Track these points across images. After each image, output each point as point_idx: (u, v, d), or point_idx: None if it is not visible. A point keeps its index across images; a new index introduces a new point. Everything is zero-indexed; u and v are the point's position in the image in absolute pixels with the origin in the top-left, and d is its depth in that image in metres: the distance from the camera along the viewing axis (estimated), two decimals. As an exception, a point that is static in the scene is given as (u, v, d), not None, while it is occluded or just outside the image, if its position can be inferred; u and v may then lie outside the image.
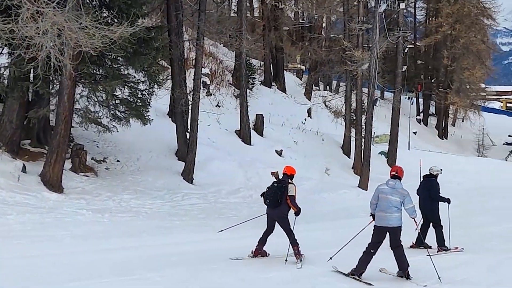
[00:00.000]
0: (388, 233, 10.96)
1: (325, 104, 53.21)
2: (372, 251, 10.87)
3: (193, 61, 37.23)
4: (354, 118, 35.85)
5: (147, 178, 22.14)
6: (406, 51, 40.28)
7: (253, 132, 31.35)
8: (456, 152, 62.75)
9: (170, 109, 27.17)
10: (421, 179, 15.18)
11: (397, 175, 11.30)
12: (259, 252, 12.38)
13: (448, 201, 14.62)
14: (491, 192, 32.71)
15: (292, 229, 12.02)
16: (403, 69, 37.59)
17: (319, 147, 35.33)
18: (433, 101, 70.92)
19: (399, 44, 34.62)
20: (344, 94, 36.71)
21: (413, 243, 15.05)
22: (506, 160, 64.91)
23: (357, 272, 10.90)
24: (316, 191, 27.70)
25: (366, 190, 30.27)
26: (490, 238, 16.23)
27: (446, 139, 70.34)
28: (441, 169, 15.42)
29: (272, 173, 12.66)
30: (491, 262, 12.99)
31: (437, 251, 14.47)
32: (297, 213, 12.03)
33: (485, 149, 69.12)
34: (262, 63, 47.90)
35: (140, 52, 19.78)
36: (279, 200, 12.00)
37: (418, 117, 71.83)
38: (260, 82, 45.68)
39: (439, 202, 14.78)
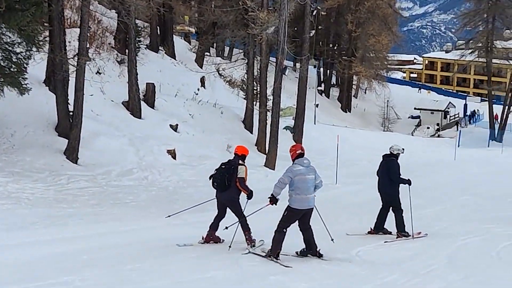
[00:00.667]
0: (306, 216, 11.47)
1: (218, 72, 52.95)
2: (284, 230, 11.34)
3: (70, 20, 35.72)
4: (258, 89, 35.72)
5: (24, 158, 20.91)
6: (314, 13, 40.55)
7: (143, 104, 30.47)
8: (360, 126, 64.60)
9: (47, 77, 25.78)
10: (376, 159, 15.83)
11: (303, 152, 11.59)
12: (211, 238, 12.56)
13: (408, 182, 14.68)
14: (409, 170, 33.63)
15: (243, 213, 12.27)
16: (311, 34, 37.78)
17: (218, 121, 35.00)
18: (335, 71, 72.65)
19: (306, 6, 34.68)
20: (246, 62, 36.43)
21: (371, 229, 15.17)
22: (412, 135, 67.74)
23: (274, 253, 11.38)
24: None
25: (274, 169, 30.37)
26: (429, 222, 16.46)
27: (350, 112, 72.17)
28: (403, 149, 15.45)
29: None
30: (449, 249, 13.15)
31: (396, 237, 14.63)
32: (249, 196, 12.27)
33: (391, 123, 71.54)
34: (147, 24, 46.73)
35: (16, 8, 18.48)
36: (226, 183, 12.21)
37: (319, 88, 73.13)
38: (145, 46, 44.56)
39: (399, 185, 14.85)
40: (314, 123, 46.93)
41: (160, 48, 46.33)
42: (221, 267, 10.96)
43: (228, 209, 12.58)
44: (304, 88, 38.12)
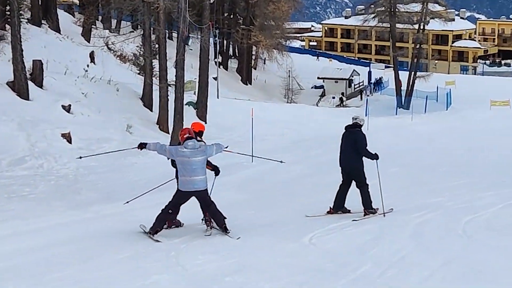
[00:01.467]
0: (195, 197, 11.95)
1: (107, 46, 51.18)
2: (170, 211, 11.95)
3: None
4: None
5: None
6: (213, -23, 39.52)
7: (30, 84, 28.72)
8: (263, 99, 64.32)
9: None
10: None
11: (191, 136, 12.05)
12: (173, 222, 12.72)
13: (376, 157, 14.18)
14: (321, 143, 33.47)
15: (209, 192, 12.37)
16: (211, 1, 36.85)
17: (114, 100, 33.61)
18: (233, 42, 71.97)
19: (204, -31, 33.73)
20: (142, 33, 35.05)
21: (330, 208, 14.60)
22: (318, 105, 68.05)
23: (153, 231, 11.90)
24: (121, 156, 26.09)
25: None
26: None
27: (251, 84, 71.73)
28: (364, 120, 14.85)
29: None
30: (409, 229, 12.67)
31: (364, 215, 14.13)
32: (216, 171, 12.84)
33: (294, 94, 71.63)
34: (27, -4, 44.54)
35: None
36: None
37: (217, 60, 72.19)
38: (26, 20, 42.37)
39: (363, 158, 14.28)
40: (217, 97, 46.07)
41: (43, 22, 44.25)
42: (162, 269, 10.02)
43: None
44: (206, 60, 37.37)
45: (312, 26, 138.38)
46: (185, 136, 12.00)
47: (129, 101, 34.59)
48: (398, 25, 67.01)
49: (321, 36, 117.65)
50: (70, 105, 28.99)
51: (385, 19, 66.03)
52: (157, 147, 12.28)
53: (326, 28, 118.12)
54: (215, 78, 64.37)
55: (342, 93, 74.50)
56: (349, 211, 14.44)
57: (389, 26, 65.71)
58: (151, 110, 34.97)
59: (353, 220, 13.76)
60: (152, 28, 34.41)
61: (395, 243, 11.66)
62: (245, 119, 41.67)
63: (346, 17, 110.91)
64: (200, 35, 36.52)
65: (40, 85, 29.65)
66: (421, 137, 36.24)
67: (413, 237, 12.05)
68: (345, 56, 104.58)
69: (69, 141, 25.68)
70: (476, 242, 11.77)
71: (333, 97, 71.79)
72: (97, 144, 27.03)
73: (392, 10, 64.67)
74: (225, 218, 12.14)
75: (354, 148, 14.12)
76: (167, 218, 12.06)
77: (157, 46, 33.33)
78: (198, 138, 12.67)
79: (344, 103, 70.89)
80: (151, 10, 32.82)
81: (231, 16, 71.67)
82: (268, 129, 40.79)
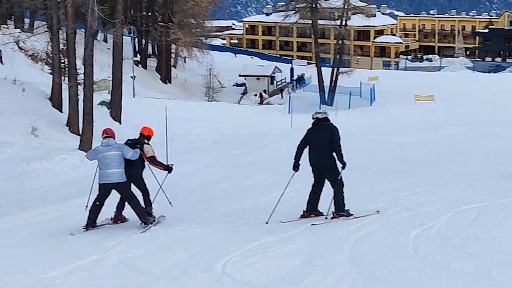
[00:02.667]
0: (115, 190, 13.03)
1: (18, 45, 48.57)
2: (97, 203, 13.04)
3: None
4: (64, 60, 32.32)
5: None
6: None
7: None
8: (183, 98, 62.50)
9: None
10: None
11: (109, 135, 13.25)
12: (119, 218, 13.59)
13: (344, 165, 12.83)
14: (243, 142, 32.04)
15: (147, 188, 13.54)
16: (123, -6, 34.82)
17: (19, 101, 31.30)
18: (151, 40, 69.78)
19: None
20: (49, 30, 32.81)
21: (304, 212, 13.15)
22: (240, 103, 66.69)
23: (90, 224, 13.08)
24: (23, 161, 24.19)
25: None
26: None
27: (170, 83, 69.84)
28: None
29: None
30: (348, 246, 10.73)
31: (332, 217, 12.72)
32: (168, 170, 13.78)
33: (215, 92, 70.10)
34: None
35: None
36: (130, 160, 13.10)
37: (135, 59, 69.96)
38: None
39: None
40: (133, 97, 44.04)
41: None
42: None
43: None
44: (119, 56, 35.40)
45: (233, 24, 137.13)
46: (102, 136, 13.26)
47: (36, 102, 32.30)
48: (320, 21, 66.25)
49: (242, 34, 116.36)
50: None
51: (306, 15, 65.21)
52: (90, 154, 13.63)
53: (247, 25, 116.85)
54: (133, 77, 62.43)
55: (264, 91, 73.35)
56: (321, 214, 12.98)
57: (310, 22, 64.82)
58: (61, 111, 32.79)
59: (312, 225, 12.32)
60: (60, 24, 32.13)
61: (332, 269, 9.48)
62: (162, 118, 39.70)
63: (267, 14, 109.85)
64: (113, 31, 34.36)
65: None
66: (346, 133, 34.84)
67: (353, 259, 9.87)
68: (266, 53, 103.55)
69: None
70: (434, 266, 9.42)
71: (255, 95, 70.53)
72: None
73: (314, 5, 63.80)
74: (147, 213, 13.17)
75: (328, 143, 12.70)
76: (97, 210, 13.07)
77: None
78: (145, 141, 13.63)
79: (265, 101, 69.71)
80: (58, 4, 30.61)
81: (149, 14, 69.47)
82: (187, 128, 39.11)
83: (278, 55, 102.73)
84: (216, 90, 71.35)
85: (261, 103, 67.92)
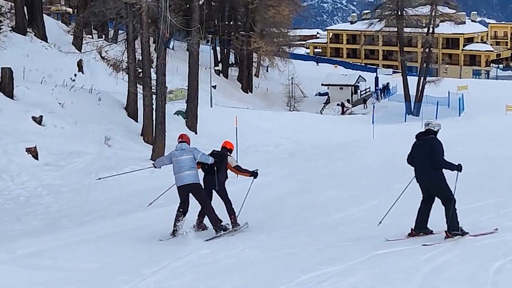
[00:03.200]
0: (191, 194, 13.49)
1: (100, 55, 48.97)
2: (181, 209, 13.52)
3: None
4: (141, 69, 32.14)
5: None
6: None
7: (-1, 94, 26.45)
8: (264, 107, 61.94)
9: None
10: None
11: (183, 140, 13.82)
12: (200, 226, 13.99)
13: (458, 168, 11.90)
14: (322, 153, 31.03)
15: (230, 198, 13.93)
16: (201, 1, 34.46)
17: (95, 110, 31.27)
18: (233, 49, 69.71)
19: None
20: (125, 38, 32.70)
21: (412, 230, 12.23)
22: (321, 113, 65.62)
23: (172, 230, 13.54)
24: (94, 171, 23.80)
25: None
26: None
27: (251, 92, 69.45)
28: (440, 124, 12.42)
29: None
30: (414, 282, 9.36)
31: (445, 238, 11.65)
32: (254, 174, 14.33)
33: (297, 101, 69.27)
34: (12, 4, 42.59)
35: None
36: (215, 168, 13.73)
37: (216, 68, 70.00)
38: (10, 29, 40.30)
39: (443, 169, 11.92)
40: (211, 106, 43.60)
41: (28, 30, 42.12)
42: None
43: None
44: (195, 65, 34.94)
45: (317, 33, 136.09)
46: (178, 140, 13.82)
47: (111, 111, 32.21)
48: (406, 29, 64.67)
49: (326, 43, 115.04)
50: (41, 117, 26.61)
51: (392, 22, 63.75)
52: (163, 160, 14.16)
53: (331, 34, 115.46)
54: (214, 87, 62.34)
55: (348, 100, 72.07)
56: (431, 232, 12.05)
57: (396, 30, 63.33)
58: (136, 121, 32.61)
59: (423, 245, 11.25)
60: (136, 32, 31.96)
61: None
62: (240, 128, 39.36)
63: (351, 22, 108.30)
64: (188, 39, 33.94)
65: (9, 95, 27.30)
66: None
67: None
68: (351, 62, 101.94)
69: (35, 157, 23.32)
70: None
71: (338, 104, 69.30)
72: (68, 159, 24.72)
73: (400, 13, 62.28)
74: (220, 221, 13.48)
75: (430, 158, 11.80)
76: (179, 216, 13.46)
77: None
78: (228, 154, 14.27)
79: (348, 110, 68.45)
80: (133, 12, 30.39)
81: (231, 23, 69.28)
82: (265, 139, 38.41)
83: (362, 64, 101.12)
84: (297, 99, 70.51)
85: (343, 113, 66.61)
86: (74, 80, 40.35)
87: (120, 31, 56.61)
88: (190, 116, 35.50)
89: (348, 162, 27.53)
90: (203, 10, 44.03)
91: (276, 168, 26.42)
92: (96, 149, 27.00)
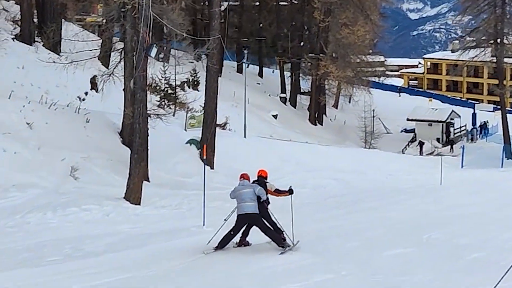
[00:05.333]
0: (250, 223, 15.70)
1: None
2: (232, 233, 15.59)
3: None
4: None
5: None
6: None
7: None
8: (333, 142, 57.22)
9: None
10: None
11: (244, 179, 16.07)
12: (243, 243, 16.03)
13: None
14: (356, 200, 26.15)
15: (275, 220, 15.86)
16: (222, 7, 30.32)
17: (76, 134, 27.36)
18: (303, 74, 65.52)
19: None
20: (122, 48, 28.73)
21: None
22: (403, 153, 60.41)
23: (218, 245, 15.57)
24: (33, 208, 19.66)
25: (139, 204, 22.65)
26: None
27: (321, 124, 64.68)
28: None
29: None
30: None
31: None
32: (291, 191, 16.45)
33: (374, 138, 64.09)
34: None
35: None
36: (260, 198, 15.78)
37: (282, 95, 65.82)
38: (13, 37, 37.27)
39: None
40: (244, 136, 39.08)
41: (36, 39, 38.99)
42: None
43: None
44: (213, 83, 30.92)
45: (419, 63, 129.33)
46: (240, 179, 16.11)
47: (100, 136, 28.30)
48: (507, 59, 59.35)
49: (423, 73, 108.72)
50: (-8, 140, 22.74)
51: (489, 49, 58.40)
52: (230, 194, 16.13)
53: (428, 63, 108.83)
54: (275, 116, 58.10)
55: (438, 139, 66.32)
56: None
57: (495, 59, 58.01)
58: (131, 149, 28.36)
59: None
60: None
61: None
62: (276, 163, 34.85)
63: (452, 51, 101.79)
64: (207, 49, 29.57)
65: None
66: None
67: None
68: (449, 96, 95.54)
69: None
70: None
71: (422, 143, 63.57)
72: (7, 192, 20.64)
73: (499, 37, 56.74)
74: (283, 238, 15.49)
75: None
76: (229, 238, 15.49)
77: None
78: (265, 180, 16.27)
79: (433, 151, 62.84)
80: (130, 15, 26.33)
81: (301, 44, 64.96)
82: (305, 179, 33.74)
83: (463, 99, 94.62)
84: (378, 135, 65.25)
85: (421, 153, 61.25)
86: (83, 100, 36.86)
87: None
88: (207, 146, 31.04)
89: (381, 212, 22.39)
90: (227, 17, 39.80)
91: (286, 215, 21.58)
92: (55, 181, 23.00)
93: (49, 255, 14.56)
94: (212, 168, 31.27)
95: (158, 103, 40.73)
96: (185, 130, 34.55)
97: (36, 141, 24.87)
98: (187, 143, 32.07)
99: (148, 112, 26.63)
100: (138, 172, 22.93)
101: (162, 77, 41.40)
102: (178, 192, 26.09)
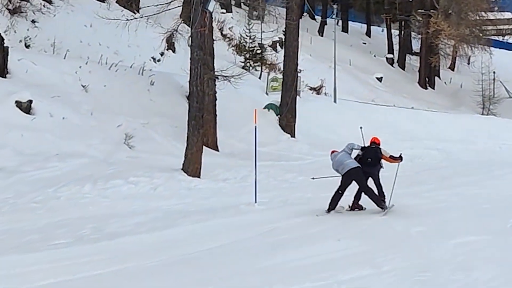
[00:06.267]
0: (355, 176, 16.43)
1: (221, 32, 44.67)
2: (340, 192, 16.40)
3: None
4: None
5: None
6: None
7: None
8: (446, 108, 54.27)
9: None
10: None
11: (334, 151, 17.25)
12: (356, 206, 16.89)
13: None
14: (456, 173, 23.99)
15: (381, 183, 16.84)
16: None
17: (137, 97, 26.22)
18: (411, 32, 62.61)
19: None
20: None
21: None
22: (527, 121, 56.72)
23: (329, 209, 16.34)
24: (70, 181, 18.48)
25: (198, 176, 21.20)
26: None
27: (433, 88, 61.65)
28: None
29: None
30: None
31: None
32: (401, 159, 17.36)
33: (493, 103, 60.49)
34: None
35: None
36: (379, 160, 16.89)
37: (389, 56, 63.05)
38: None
39: None
40: (334, 101, 36.93)
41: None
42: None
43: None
44: (293, 41, 28.88)
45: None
46: (331, 153, 17.14)
47: (165, 100, 26.93)
48: None
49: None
50: (30, 102, 21.65)
51: None
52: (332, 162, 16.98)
53: None
54: (380, 79, 55.61)
55: None
56: None
57: None
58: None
59: None
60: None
61: None
62: (373, 133, 32.57)
63: None
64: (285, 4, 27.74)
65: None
66: None
67: None
68: None
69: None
70: None
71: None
72: (41, 163, 19.51)
73: None
74: (383, 199, 16.48)
75: None
76: (338, 197, 16.32)
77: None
78: (379, 147, 17.00)
79: None
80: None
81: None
82: (404, 148, 31.25)
83: None
84: (495, 100, 61.65)
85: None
86: (158, 61, 35.73)
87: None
88: (285, 112, 29.34)
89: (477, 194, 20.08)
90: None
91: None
92: (105, 150, 21.75)
93: (58, 237, 13.19)
94: (292, 136, 29.55)
95: (243, 64, 39.42)
96: (267, 94, 32.77)
97: (89, 105, 23.76)
98: (265, 108, 30.35)
99: (216, 73, 25.22)
100: (197, 140, 21.37)
101: (247, 35, 39.88)
102: (248, 163, 24.43)
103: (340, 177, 16.37)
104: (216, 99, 25.79)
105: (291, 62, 29.21)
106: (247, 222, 14.89)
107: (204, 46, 21.59)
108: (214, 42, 40.35)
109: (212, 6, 21.04)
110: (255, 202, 16.75)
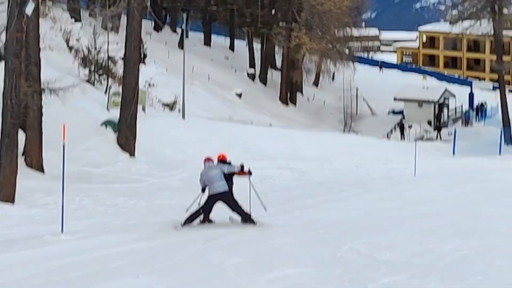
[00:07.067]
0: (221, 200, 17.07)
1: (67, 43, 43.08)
2: (202, 211, 17.02)
3: None
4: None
5: None
6: None
7: None
8: (306, 126, 54.41)
9: None
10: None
11: (207, 159, 17.72)
12: (206, 219, 17.26)
13: None
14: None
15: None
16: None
17: None
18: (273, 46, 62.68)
19: None
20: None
21: None
22: (388, 137, 57.82)
23: (185, 221, 17.00)
24: None
25: (11, 201, 19.51)
26: None
27: (294, 104, 61.83)
28: None
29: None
30: None
31: None
32: (250, 172, 17.97)
33: (355, 120, 61.30)
34: None
35: None
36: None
37: (251, 71, 62.79)
38: None
39: None
40: (182, 117, 35.94)
41: None
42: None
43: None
44: (134, 51, 27.67)
45: (417, 37, 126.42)
46: (205, 161, 17.60)
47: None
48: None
49: (418, 47, 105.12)
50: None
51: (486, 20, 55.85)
52: (200, 183, 17.55)
53: (424, 36, 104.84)
54: (239, 95, 54.98)
55: (429, 122, 63.32)
56: None
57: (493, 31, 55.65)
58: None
59: None
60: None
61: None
62: (222, 151, 31.88)
63: (451, 22, 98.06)
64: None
65: None
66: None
67: None
68: (446, 73, 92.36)
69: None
70: None
71: (409, 126, 60.67)
72: None
73: (496, 9, 54.16)
74: (249, 215, 17.03)
75: None
76: (196, 216, 16.93)
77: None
78: (226, 161, 17.88)
79: (426, 135, 60.01)
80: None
81: (272, 13, 61.73)
82: (255, 167, 30.40)
83: (462, 77, 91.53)
84: (357, 117, 62.50)
85: (402, 137, 58.70)
86: None
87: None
88: (124, 129, 27.88)
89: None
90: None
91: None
92: None
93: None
94: (132, 155, 28.15)
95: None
96: (108, 109, 31.28)
97: None
98: (102, 124, 28.87)
99: (43, 86, 23.65)
100: (10, 161, 19.78)
101: (93, 47, 38.28)
102: (76, 186, 22.86)
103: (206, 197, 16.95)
104: (42, 115, 24.09)
105: (131, 75, 27.91)
106: (44, 255, 13.40)
107: (20, 54, 19.90)
108: (59, 54, 38.84)
109: (31, 9, 19.39)
110: (61, 231, 15.20)
